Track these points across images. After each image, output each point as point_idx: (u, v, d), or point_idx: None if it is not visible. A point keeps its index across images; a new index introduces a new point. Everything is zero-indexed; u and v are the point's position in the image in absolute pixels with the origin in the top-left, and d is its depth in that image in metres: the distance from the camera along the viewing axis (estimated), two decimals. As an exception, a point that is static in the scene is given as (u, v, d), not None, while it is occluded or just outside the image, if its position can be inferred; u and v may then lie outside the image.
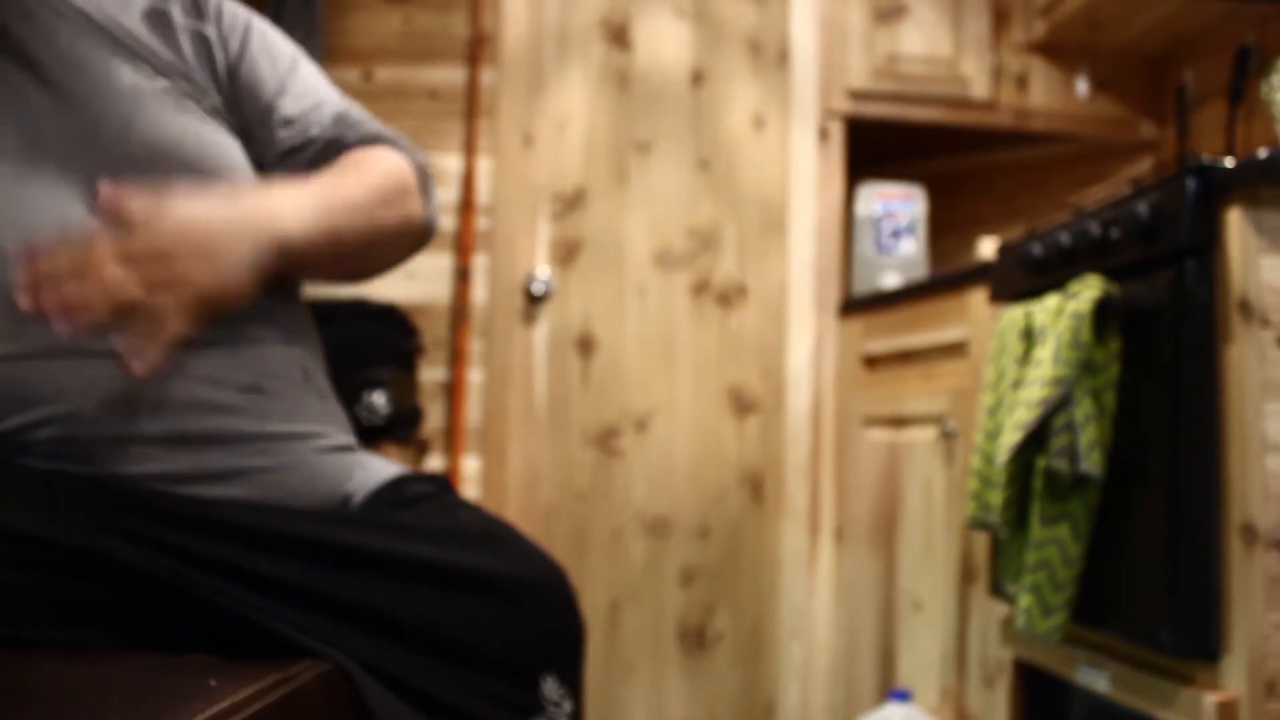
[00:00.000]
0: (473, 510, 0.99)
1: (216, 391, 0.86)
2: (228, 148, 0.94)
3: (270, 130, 0.98)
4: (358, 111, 1.04)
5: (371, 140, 1.01)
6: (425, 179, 1.03)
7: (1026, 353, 1.45)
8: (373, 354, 2.15)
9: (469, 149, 2.41)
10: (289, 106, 0.98)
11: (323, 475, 0.93)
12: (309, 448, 0.92)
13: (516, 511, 2.34)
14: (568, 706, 0.90)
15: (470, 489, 2.34)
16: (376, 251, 1.00)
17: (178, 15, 0.96)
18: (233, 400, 0.87)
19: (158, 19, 0.95)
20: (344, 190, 0.93)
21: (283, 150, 0.98)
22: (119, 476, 0.82)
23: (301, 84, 1.01)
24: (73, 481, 0.80)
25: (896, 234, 2.47)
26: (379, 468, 1.00)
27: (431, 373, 2.38)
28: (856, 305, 2.39)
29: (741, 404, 2.47)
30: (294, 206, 0.88)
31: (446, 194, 2.40)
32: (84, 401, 0.81)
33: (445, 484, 1.04)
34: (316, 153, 0.99)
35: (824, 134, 2.52)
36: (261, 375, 0.89)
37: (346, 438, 0.99)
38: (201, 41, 0.96)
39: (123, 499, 0.80)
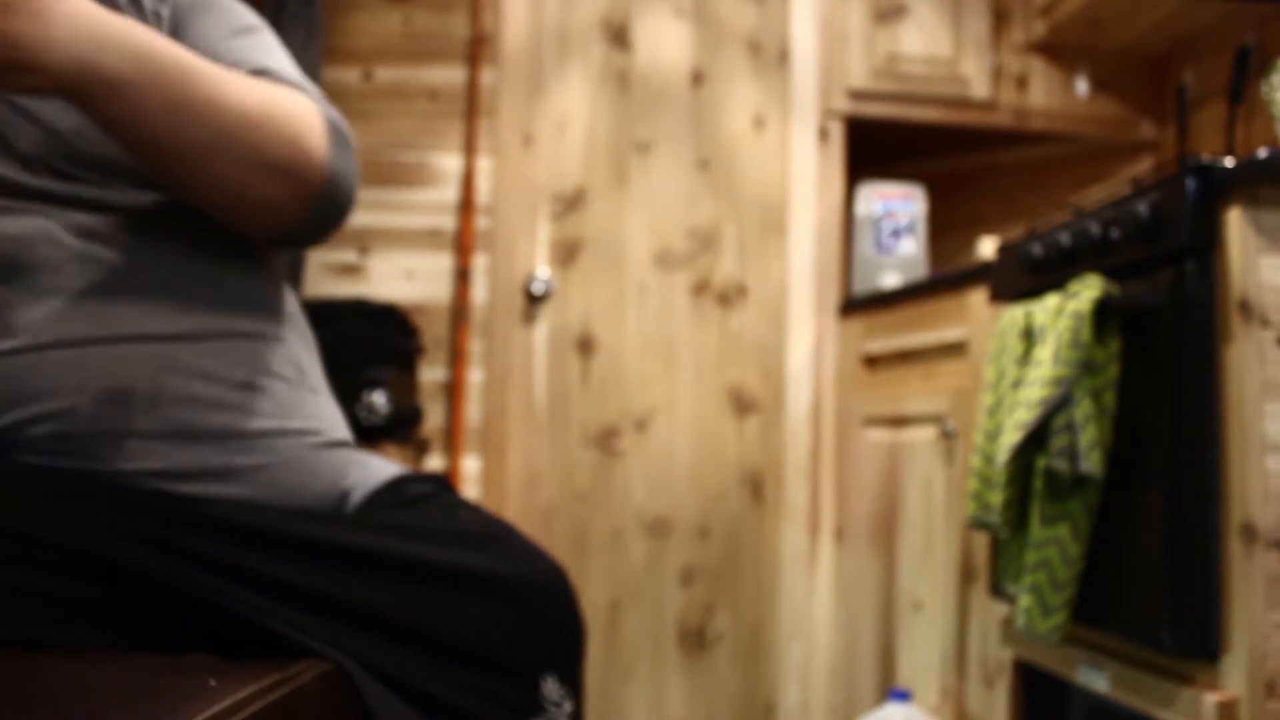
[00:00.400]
0: (473, 510, 0.99)
1: (211, 387, 0.86)
2: None
3: None
4: (297, 77, 0.96)
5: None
6: (336, 131, 0.93)
7: (1026, 353, 1.45)
8: (373, 354, 2.15)
9: (469, 149, 2.41)
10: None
11: (319, 471, 0.93)
12: (303, 444, 0.92)
13: (516, 511, 2.34)
14: (568, 707, 0.90)
15: (470, 489, 2.34)
16: (236, 160, 0.84)
17: (149, 0, 0.96)
18: (227, 396, 0.87)
19: (137, 6, 0.95)
20: (210, 71, 0.82)
21: None
22: (116, 473, 0.82)
23: (241, 51, 0.94)
24: (71, 479, 0.80)
25: (896, 234, 2.47)
26: (379, 467, 1.00)
27: (431, 373, 2.38)
28: (856, 305, 2.39)
29: (741, 404, 2.47)
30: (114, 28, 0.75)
31: (446, 194, 2.40)
32: (80, 397, 0.81)
33: (445, 484, 1.04)
34: None
35: (824, 134, 2.52)
36: (255, 372, 0.89)
37: (342, 433, 0.99)
38: (156, 19, 0.95)
39: (123, 498, 0.80)
